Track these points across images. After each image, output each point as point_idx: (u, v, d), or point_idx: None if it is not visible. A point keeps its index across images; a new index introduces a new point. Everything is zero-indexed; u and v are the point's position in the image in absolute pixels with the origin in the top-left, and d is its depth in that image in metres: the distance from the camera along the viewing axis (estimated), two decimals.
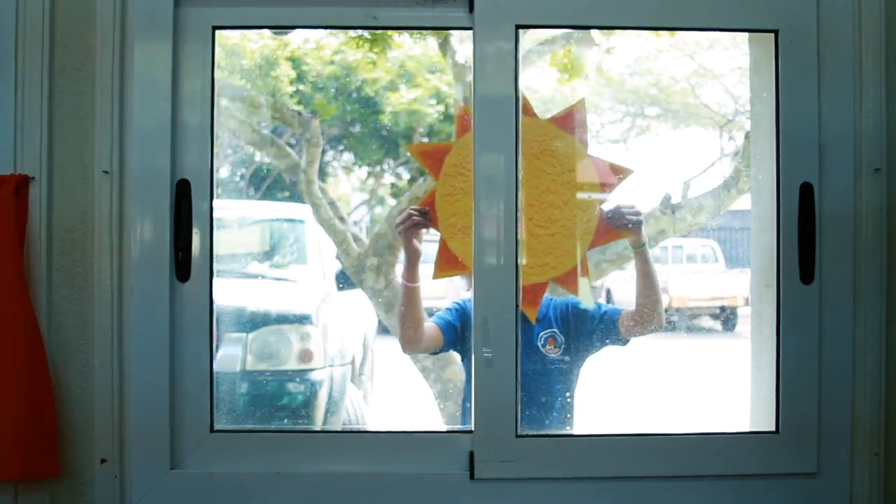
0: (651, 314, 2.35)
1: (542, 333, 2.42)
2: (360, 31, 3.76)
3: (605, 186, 2.05)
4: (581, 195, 2.04)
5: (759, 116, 2.17)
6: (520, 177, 1.97)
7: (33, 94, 1.93)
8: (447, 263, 2.05)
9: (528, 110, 2.08)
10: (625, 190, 2.14)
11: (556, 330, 2.42)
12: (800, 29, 1.99)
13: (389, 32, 3.80)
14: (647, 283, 2.33)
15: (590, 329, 2.45)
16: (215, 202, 2.00)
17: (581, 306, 2.44)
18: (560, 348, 2.43)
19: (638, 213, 2.21)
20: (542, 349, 2.42)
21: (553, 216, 2.03)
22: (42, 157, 1.93)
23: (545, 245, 2.04)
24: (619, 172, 2.05)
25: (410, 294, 2.37)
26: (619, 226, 2.18)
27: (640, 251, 2.30)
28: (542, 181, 2.04)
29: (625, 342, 2.45)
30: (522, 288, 2.03)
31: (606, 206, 2.10)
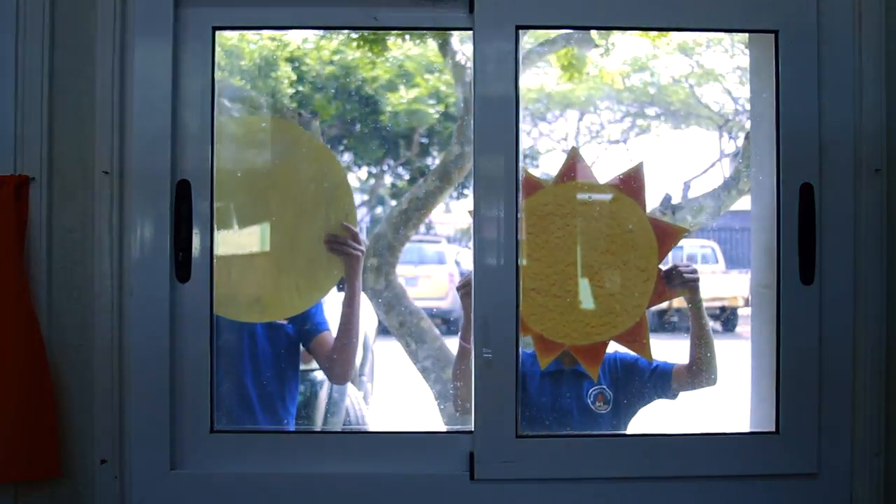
0: (706, 370, 2.37)
1: (591, 391, 2.43)
2: (360, 32, 3.76)
3: (662, 246, 2.09)
4: (640, 255, 2.09)
5: (759, 116, 2.17)
6: (520, 178, 1.98)
7: (33, 95, 1.93)
8: None
9: (588, 173, 2.14)
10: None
11: (604, 386, 2.43)
12: (800, 29, 1.99)
13: (387, 34, 3.80)
14: (702, 339, 2.37)
15: (640, 384, 2.46)
16: (216, 202, 2.00)
17: (629, 360, 2.44)
18: (609, 404, 2.44)
19: (694, 272, 2.26)
20: (591, 406, 2.43)
21: (613, 276, 2.08)
22: (42, 157, 1.93)
23: (606, 304, 2.10)
24: (675, 232, 2.10)
25: (469, 356, 2.37)
26: (677, 284, 2.23)
27: (696, 307, 2.34)
28: (602, 242, 2.10)
29: (675, 396, 2.46)
30: (584, 347, 2.08)
31: (664, 266, 2.14)
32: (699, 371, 2.37)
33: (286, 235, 2.23)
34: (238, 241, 2.21)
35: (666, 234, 2.10)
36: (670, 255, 2.18)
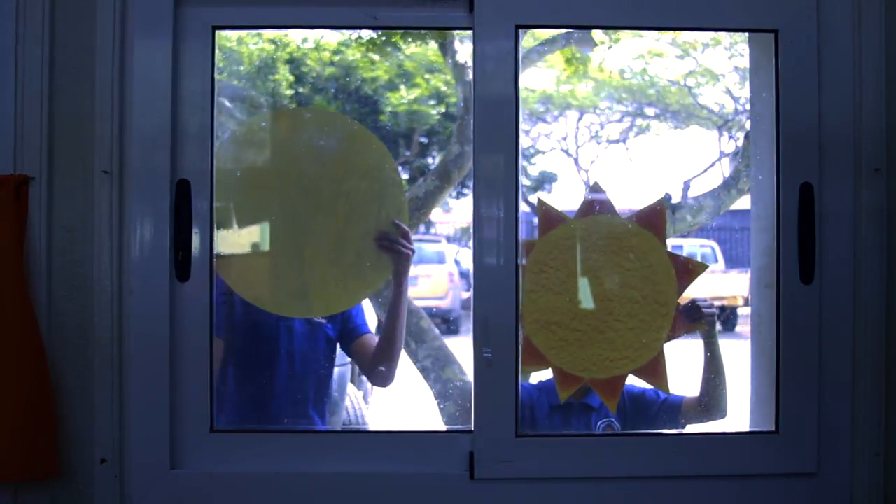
0: (717, 403, 2.37)
1: (599, 423, 2.43)
2: (366, 34, 3.76)
3: (682, 281, 2.12)
4: (659, 290, 2.11)
5: (759, 116, 2.17)
6: (520, 179, 1.98)
7: (33, 94, 1.93)
8: (531, 359, 2.10)
9: (610, 208, 2.14)
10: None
11: (612, 419, 2.43)
12: (800, 29, 1.99)
13: (396, 37, 3.80)
14: (714, 372, 2.37)
15: (649, 416, 2.46)
16: (216, 202, 2.00)
17: (637, 392, 2.44)
18: None
19: (711, 307, 2.28)
20: None
21: (632, 311, 2.09)
22: (42, 157, 1.93)
23: (625, 339, 2.10)
24: (695, 267, 2.12)
25: None
26: (695, 319, 2.24)
27: (710, 341, 2.35)
28: (622, 277, 2.10)
29: (683, 427, 2.47)
30: (603, 381, 2.09)
31: (682, 300, 2.16)
32: (709, 405, 2.37)
33: (336, 230, 2.19)
34: (285, 234, 2.19)
35: (686, 270, 2.11)
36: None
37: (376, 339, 2.43)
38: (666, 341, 2.11)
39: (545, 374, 2.25)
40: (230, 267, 2.15)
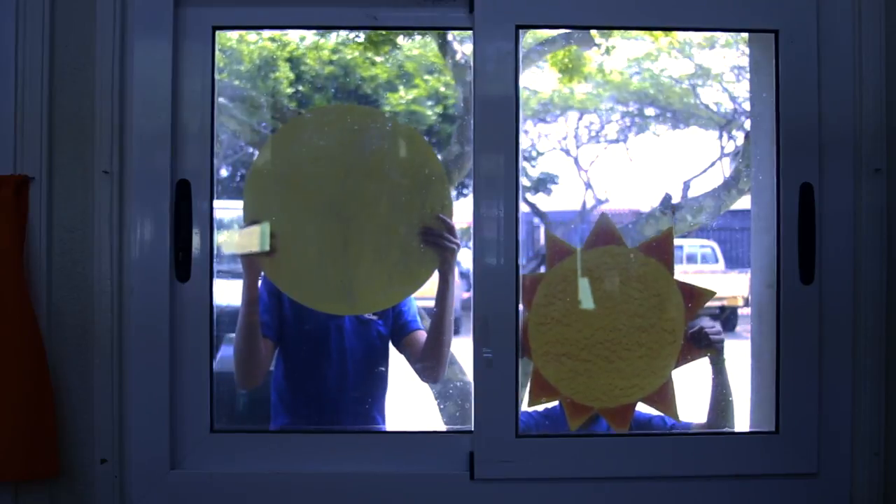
0: (724, 425, 2.37)
1: None
2: (366, 34, 3.76)
3: (690, 308, 2.12)
4: (668, 318, 2.11)
5: (759, 116, 2.17)
6: (519, 179, 1.98)
7: (33, 94, 1.93)
8: (541, 391, 2.10)
9: (617, 239, 2.13)
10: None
11: None
12: (800, 29, 1.99)
13: (392, 36, 3.80)
14: (722, 395, 2.36)
15: None
16: (216, 202, 2.00)
17: (643, 420, 2.40)
18: None
19: (719, 333, 2.27)
20: None
21: (641, 339, 2.09)
22: (42, 157, 1.93)
23: (634, 367, 2.10)
24: (702, 294, 2.13)
25: None
26: (703, 345, 2.23)
27: (718, 365, 2.33)
28: (630, 306, 2.10)
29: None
30: (613, 409, 2.10)
31: (690, 328, 2.16)
32: (719, 427, 2.37)
33: (380, 226, 2.17)
34: (329, 231, 2.17)
35: (693, 296, 2.12)
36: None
37: (425, 335, 2.42)
38: (674, 368, 2.11)
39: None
40: (275, 265, 2.15)
